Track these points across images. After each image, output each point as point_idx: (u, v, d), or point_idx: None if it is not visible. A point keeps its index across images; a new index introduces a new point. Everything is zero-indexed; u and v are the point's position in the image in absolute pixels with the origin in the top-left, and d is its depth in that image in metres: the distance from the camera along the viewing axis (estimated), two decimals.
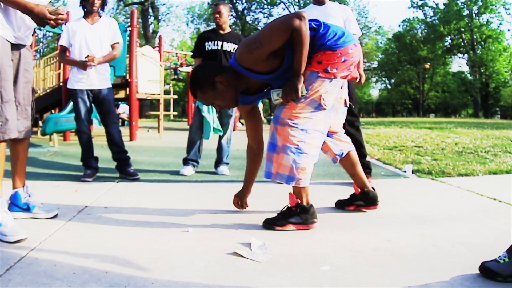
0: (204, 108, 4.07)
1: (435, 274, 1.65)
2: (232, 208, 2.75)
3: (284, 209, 2.31)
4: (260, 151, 2.65)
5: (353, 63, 2.28)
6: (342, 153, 2.65)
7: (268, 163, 2.25)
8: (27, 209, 2.42)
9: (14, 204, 2.43)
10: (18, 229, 2.04)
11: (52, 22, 2.09)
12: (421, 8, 38.14)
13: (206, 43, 4.11)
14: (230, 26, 4.34)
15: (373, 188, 2.73)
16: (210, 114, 4.12)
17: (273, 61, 2.13)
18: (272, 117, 9.23)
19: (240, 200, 2.69)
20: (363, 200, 2.70)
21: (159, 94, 8.87)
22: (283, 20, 2.08)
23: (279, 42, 2.08)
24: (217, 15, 4.13)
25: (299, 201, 2.28)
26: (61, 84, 7.73)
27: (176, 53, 15.66)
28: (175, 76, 15.56)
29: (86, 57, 3.62)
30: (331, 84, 2.22)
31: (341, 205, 2.77)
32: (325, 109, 2.23)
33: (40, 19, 2.08)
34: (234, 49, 4.15)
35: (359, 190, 2.71)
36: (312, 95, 2.19)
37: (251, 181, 2.70)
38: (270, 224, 2.28)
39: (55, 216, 2.44)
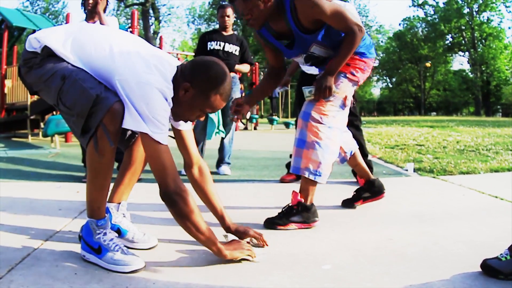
0: None
1: (436, 273, 1.65)
2: (233, 208, 2.75)
3: (285, 208, 2.31)
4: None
5: (367, 76, 2.40)
6: (352, 152, 2.69)
7: (296, 158, 2.29)
8: (117, 232, 1.91)
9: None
10: (134, 258, 1.70)
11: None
12: (421, 6, 38.12)
13: (209, 43, 4.16)
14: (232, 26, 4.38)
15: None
16: (215, 115, 4.13)
17: (313, 26, 2.16)
18: (274, 117, 9.35)
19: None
20: (369, 191, 2.71)
21: None
22: (352, 19, 2.13)
23: (335, 23, 2.13)
24: (227, 18, 4.20)
25: (303, 199, 2.29)
26: None
27: (177, 54, 15.67)
28: None
29: None
30: (352, 88, 2.33)
31: (349, 203, 2.76)
32: (345, 108, 2.35)
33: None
34: (235, 50, 4.18)
35: (364, 181, 2.73)
36: (339, 94, 2.28)
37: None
38: (272, 224, 2.28)
39: (152, 248, 1.95)
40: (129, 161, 1.97)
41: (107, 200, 1.92)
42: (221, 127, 4.18)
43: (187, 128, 1.97)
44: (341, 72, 2.28)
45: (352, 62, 2.29)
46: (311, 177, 2.25)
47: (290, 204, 2.31)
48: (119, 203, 1.99)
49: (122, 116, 1.60)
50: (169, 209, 1.61)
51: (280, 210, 2.32)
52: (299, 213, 2.27)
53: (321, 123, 2.25)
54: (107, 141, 1.61)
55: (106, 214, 1.79)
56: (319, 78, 2.23)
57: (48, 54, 1.69)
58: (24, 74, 1.76)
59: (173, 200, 1.59)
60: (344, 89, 2.29)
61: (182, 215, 1.62)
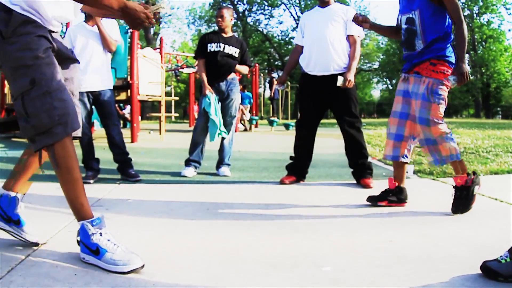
0: (211, 110, 4.08)
1: (436, 275, 1.65)
2: (233, 209, 2.75)
3: (459, 191, 2.58)
4: None
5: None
6: (406, 156, 2.84)
7: (434, 154, 2.64)
8: (16, 222, 1.92)
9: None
10: (133, 256, 1.69)
11: (151, 21, 1.73)
12: None
13: (209, 45, 4.16)
14: (231, 28, 4.37)
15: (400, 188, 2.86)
16: (217, 116, 4.12)
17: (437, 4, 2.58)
18: (274, 118, 9.36)
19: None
20: (396, 195, 2.82)
21: (160, 96, 8.87)
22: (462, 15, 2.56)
23: (451, 6, 2.54)
24: (220, 19, 4.20)
25: (465, 174, 2.61)
26: None
27: (176, 56, 15.69)
28: (177, 77, 15.59)
29: None
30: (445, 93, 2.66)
31: (374, 200, 2.83)
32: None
33: (135, 20, 1.71)
34: (235, 52, 4.18)
35: (396, 185, 2.82)
36: (445, 98, 2.62)
37: None
38: (464, 207, 2.57)
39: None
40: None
41: (10, 187, 1.94)
42: (222, 128, 4.18)
43: None
44: (440, 80, 2.59)
45: (446, 71, 2.60)
46: (454, 159, 2.61)
47: (457, 186, 2.60)
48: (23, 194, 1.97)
49: (72, 148, 1.71)
50: None
51: (278, 212, 2.32)
52: (474, 184, 2.58)
53: (440, 122, 2.60)
54: (53, 162, 1.69)
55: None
56: (457, 68, 2.53)
57: (18, 24, 1.62)
58: None
59: None
60: (445, 95, 2.62)
61: None
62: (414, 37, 2.68)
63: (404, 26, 2.75)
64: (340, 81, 3.42)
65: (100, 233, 1.74)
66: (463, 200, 2.59)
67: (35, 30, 1.66)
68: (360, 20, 2.91)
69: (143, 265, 1.68)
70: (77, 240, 1.79)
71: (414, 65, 2.70)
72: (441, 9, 2.59)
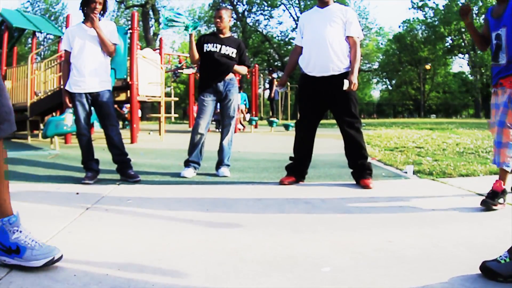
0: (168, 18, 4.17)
1: (436, 275, 1.66)
2: (233, 209, 2.75)
3: (491, 193, 2.82)
4: None
5: None
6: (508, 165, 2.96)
7: (496, 155, 2.91)
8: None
9: None
10: (50, 248, 1.71)
11: None
12: (421, 9, 38.11)
13: (205, 45, 4.16)
14: (230, 28, 4.37)
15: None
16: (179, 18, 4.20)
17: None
18: (274, 119, 9.39)
19: None
20: (505, 196, 2.92)
21: (160, 97, 8.88)
22: None
23: None
24: (218, 20, 4.20)
25: (503, 184, 2.84)
26: (62, 87, 7.74)
27: (178, 56, 15.78)
28: (176, 77, 15.63)
29: None
30: None
31: (490, 204, 2.84)
32: None
33: None
34: (232, 53, 4.18)
35: (503, 187, 2.93)
36: None
37: None
38: (487, 204, 2.76)
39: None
40: None
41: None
42: (170, 15, 4.23)
43: None
44: None
45: None
46: (507, 169, 2.87)
47: (493, 189, 2.83)
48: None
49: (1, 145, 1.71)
50: None
51: (278, 212, 2.32)
52: (502, 194, 2.82)
53: None
54: None
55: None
56: None
57: None
58: None
59: None
60: None
61: None
62: (499, 51, 2.88)
63: (493, 42, 2.96)
64: (346, 85, 3.46)
65: (20, 231, 1.72)
66: (490, 199, 2.81)
67: None
68: (466, 9, 3.04)
69: (62, 256, 1.70)
70: None
71: (499, 79, 2.89)
72: None
